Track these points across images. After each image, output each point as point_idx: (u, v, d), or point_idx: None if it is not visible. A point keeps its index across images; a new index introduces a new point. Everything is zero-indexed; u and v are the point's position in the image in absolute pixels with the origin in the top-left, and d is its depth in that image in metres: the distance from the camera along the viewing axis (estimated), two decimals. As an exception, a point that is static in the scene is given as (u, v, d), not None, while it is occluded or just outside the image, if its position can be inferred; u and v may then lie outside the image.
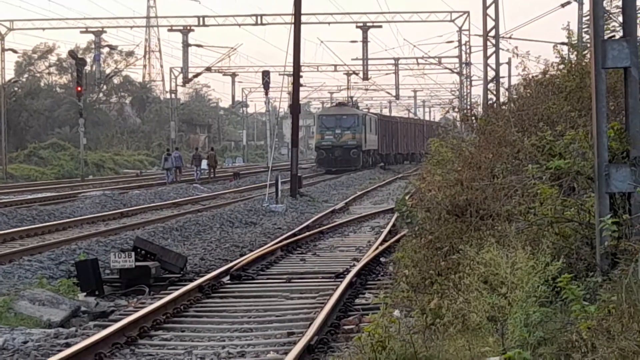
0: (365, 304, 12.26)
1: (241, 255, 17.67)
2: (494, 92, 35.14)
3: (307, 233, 21.39)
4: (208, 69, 68.64)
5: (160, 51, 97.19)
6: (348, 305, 12.18)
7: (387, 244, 17.87)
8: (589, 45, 10.62)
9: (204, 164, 51.89)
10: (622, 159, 8.18)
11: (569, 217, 8.76)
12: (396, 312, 9.52)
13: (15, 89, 71.52)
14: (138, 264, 14.72)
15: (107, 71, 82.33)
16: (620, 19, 8.61)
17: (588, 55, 10.87)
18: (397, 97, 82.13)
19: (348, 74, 78.25)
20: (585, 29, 17.67)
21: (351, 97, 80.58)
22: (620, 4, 8.73)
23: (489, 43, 36.07)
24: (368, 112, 72.42)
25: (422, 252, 10.62)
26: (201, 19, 57.98)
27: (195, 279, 14.39)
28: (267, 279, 15.13)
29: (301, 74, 38.68)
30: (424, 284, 9.86)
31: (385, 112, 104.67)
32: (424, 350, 7.84)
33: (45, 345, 10.46)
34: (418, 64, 70.55)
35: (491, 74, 36.29)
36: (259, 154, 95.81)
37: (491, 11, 35.66)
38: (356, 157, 58.95)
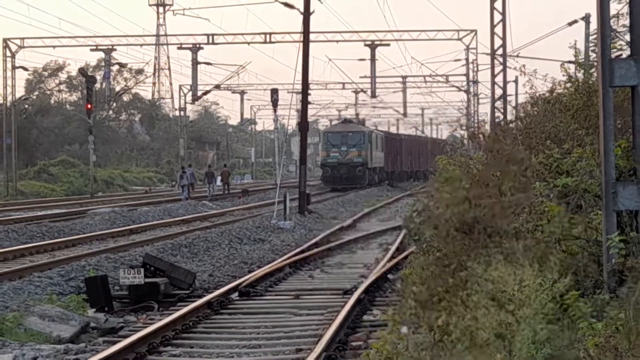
0: (373, 321, 12.29)
1: (250, 272, 17.72)
2: (502, 110, 35.19)
3: (315, 250, 21.43)
4: (217, 87, 68.84)
5: (169, 69, 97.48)
6: (356, 322, 12.21)
7: (395, 260, 17.90)
8: (596, 63, 10.68)
9: (218, 180, 52.29)
10: (630, 177, 8.22)
11: (576, 234, 8.78)
12: (404, 329, 9.54)
13: (26, 106, 71.86)
14: (147, 280, 14.79)
15: (117, 89, 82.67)
16: (628, 37, 8.67)
17: (595, 74, 10.92)
18: (404, 114, 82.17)
19: (356, 92, 78.40)
20: (593, 48, 17.75)
21: (357, 114, 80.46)
22: (627, 22, 8.79)
23: (496, 61, 36.15)
24: (376, 129, 72.34)
25: (430, 269, 10.61)
26: (210, 37, 58.22)
27: (204, 296, 14.45)
28: (276, 295, 15.17)
29: (309, 91, 38.80)
30: (432, 301, 9.86)
31: (393, 129, 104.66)
32: (432, 367, 7.86)
33: (55, 361, 10.52)
34: (426, 82, 70.65)
35: (498, 92, 36.35)
36: (267, 171, 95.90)
37: (499, 30, 35.76)
38: (362, 174, 58.29)
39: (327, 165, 59.19)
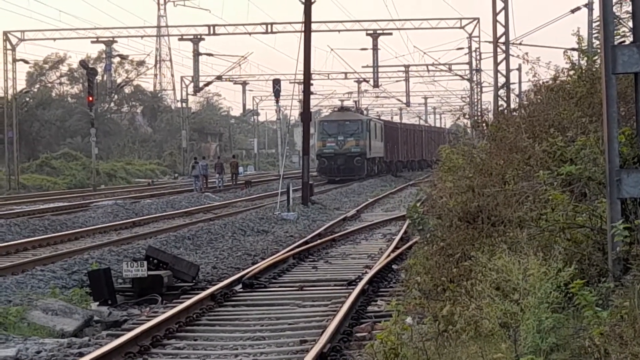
0: (377, 312, 12.27)
1: (253, 264, 17.69)
2: (505, 99, 35.11)
3: (319, 241, 21.40)
4: (219, 78, 68.78)
5: (171, 60, 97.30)
6: (360, 313, 12.18)
7: (399, 251, 17.87)
8: (599, 50, 10.61)
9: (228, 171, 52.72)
10: (634, 164, 8.17)
11: (580, 223, 8.75)
12: (408, 319, 9.52)
13: (27, 99, 71.84)
14: (150, 273, 14.76)
15: (118, 81, 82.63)
16: (631, 24, 8.60)
17: (598, 61, 10.86)
18: (407, 104, 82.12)
19: (358, 82, 78.32)
20: (596, 35, 17.64)
21: (356, 102, 79.47)
22: (630, 9, 8.72)
23: (499, 49, 36.03)
24: (379, 118, 71.85)
25: (434, 259, 10.61)
26: (212, 27, 58.13)
27: (208, 288, 14.42)
28: (280, 287, 15.14)
29: (312, 81, 38.74)
30: (436, 291, 9.85)
31: (396, 119, 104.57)
32: (437, 357, 7.84)
33: (58, 355, 10.50)
34: (428, 71, 70.60)
35: (501, 80, 36.24)
36: (270, 162, 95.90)
37: (501, 17, 35.63)
38: (360, 165, 55.26)
39: (323, 156, 56.08)
